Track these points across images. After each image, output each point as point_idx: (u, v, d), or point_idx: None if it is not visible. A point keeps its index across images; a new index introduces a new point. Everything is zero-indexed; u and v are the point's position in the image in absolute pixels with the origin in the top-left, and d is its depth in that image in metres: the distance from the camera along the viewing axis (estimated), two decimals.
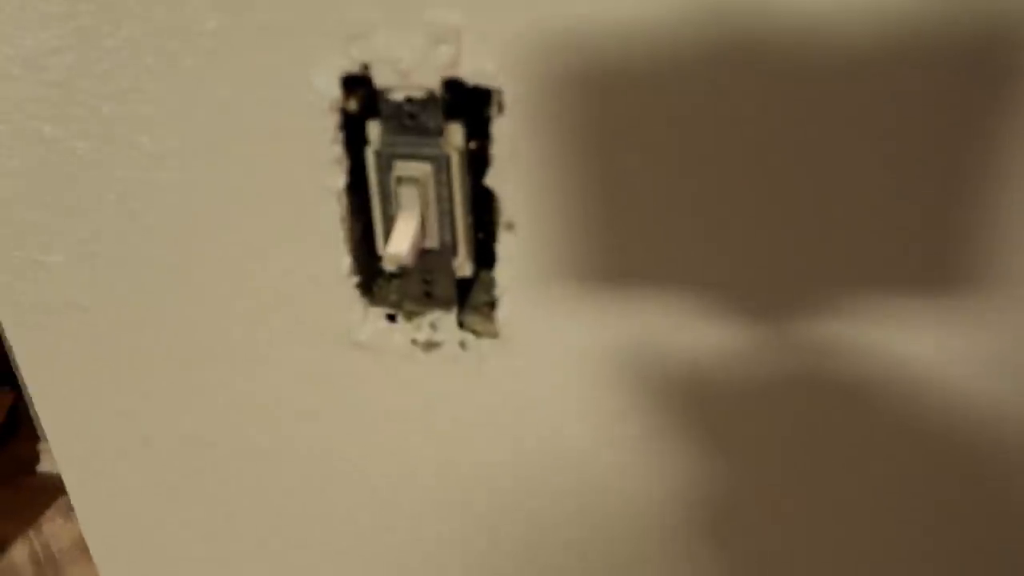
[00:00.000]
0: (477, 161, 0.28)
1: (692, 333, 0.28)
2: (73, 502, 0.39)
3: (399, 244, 0.27)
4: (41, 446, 1.81)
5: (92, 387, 0.35)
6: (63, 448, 0.37)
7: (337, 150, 0.28)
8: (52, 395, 0.36)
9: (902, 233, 0.25)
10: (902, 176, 0.24)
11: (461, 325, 0.30)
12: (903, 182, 0.25)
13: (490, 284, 0.29)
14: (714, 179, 0.26)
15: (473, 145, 0.28)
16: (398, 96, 0.26)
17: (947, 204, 0.25)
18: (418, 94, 0.26)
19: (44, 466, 1.81)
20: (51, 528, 1.68)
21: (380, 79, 0.26)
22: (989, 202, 0.24)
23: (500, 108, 0.26)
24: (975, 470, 0.29)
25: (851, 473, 0.30)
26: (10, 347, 0.34)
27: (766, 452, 0.30)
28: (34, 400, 0.36)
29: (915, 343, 0.27)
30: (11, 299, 0.33)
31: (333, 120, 0.27)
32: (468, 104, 0.27)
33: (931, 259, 0.26)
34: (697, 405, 0.30)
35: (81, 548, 1.64)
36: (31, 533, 1.67)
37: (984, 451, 0.29)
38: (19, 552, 1.63)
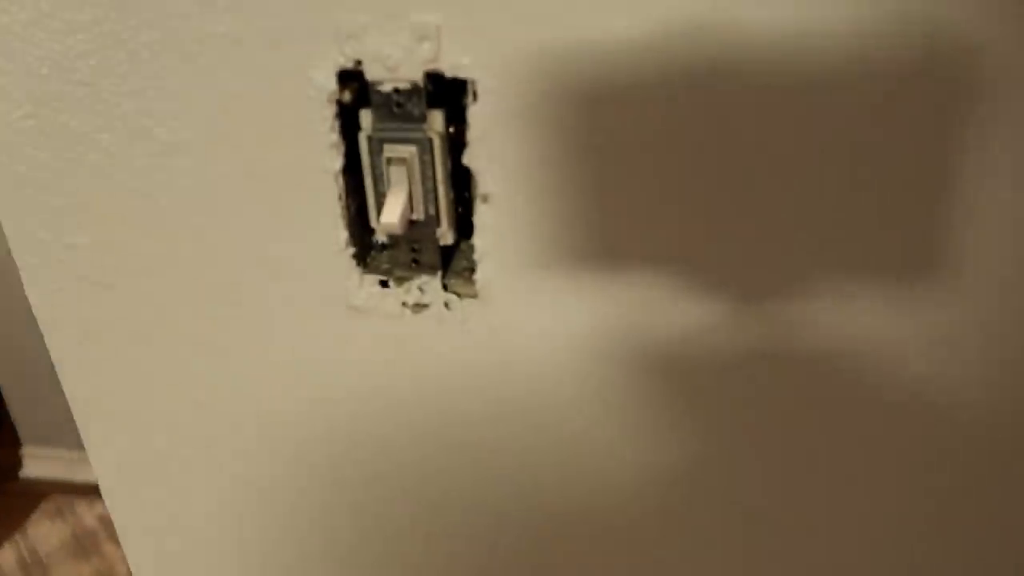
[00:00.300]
0: (456, 143, 0.32)
1: (663, 304, 0.32)
2: (95, 469, 0.42)
3: (390, 215, 0.31)
4: (23, 451, 1.82)
5: (116, 358, 0.38)
6: (88, 419, 0.41)
7: (334, 136, 0.32)
8: (78, 369, 0.39)
9: (871, 224, 0.29)
10: (870, 173, 0.28)
11: (445, 288, 0.34)
12: (872, 179, 0.28)
13: (470, 251, 0.34)
14: (665, 162, 0.30)
15: (452, 129, 0.32)
16: (387, 88, 0.31)
17: (910, 200, 0.28)
18: (404, 86, 0.30)
19: (27, 471, 1.81)
20: (37, 532, 1.70)
21: (371, 73, 0.30)
22: (949, 198, 0.28)
23: (475, 97, 0.30)
24: (944, 449, 0.33)
25: (824, 444, 0.34)
26: None
27: (736, 425, 0.34)
28: (61, 375, 0.39)
29: (884, 324, 0.30)
30: (40, 279, 0.37)
31: (330, 110, 0.31)
32: (447, 94, 0.31)
33: (896, 248, 0.29)
34: (669, 366, 0.34)
35: (68, 551, 1.65)
36: (17, 537, 1.68)
37: (955, 433, 0.32)
38: (6, 557, 1.64)
